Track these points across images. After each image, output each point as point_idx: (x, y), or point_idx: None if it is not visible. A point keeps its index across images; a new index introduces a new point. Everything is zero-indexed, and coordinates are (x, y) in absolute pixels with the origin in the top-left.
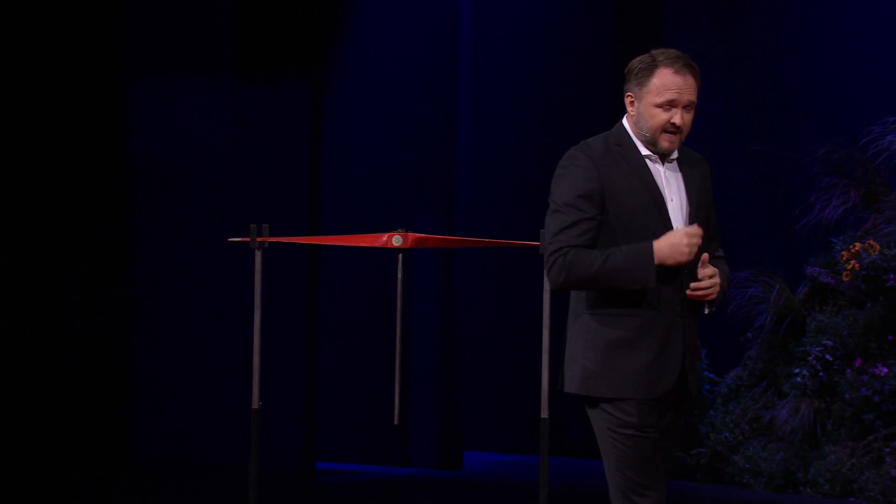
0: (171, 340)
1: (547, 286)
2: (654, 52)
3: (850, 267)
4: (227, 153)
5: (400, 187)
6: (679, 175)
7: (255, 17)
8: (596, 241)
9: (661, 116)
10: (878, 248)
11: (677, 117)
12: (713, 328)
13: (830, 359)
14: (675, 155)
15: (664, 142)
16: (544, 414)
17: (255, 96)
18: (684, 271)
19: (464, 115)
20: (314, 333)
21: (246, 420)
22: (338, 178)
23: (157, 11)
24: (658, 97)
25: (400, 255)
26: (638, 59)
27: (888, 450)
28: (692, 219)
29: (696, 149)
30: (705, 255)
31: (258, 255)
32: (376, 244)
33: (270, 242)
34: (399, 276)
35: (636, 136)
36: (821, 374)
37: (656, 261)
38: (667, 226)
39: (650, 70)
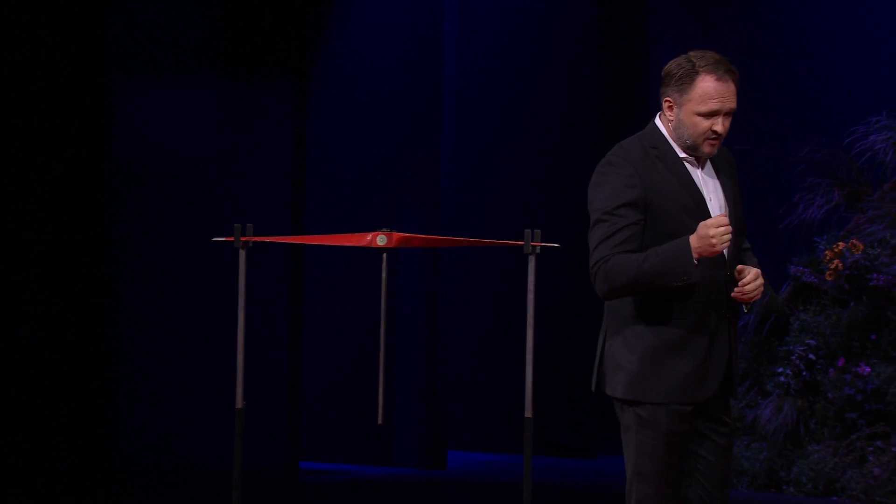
0: (154, 340)
1: (531, 285)
2: (692, 55)
3: (833, 266)
4: (211, 152)
5: (384, 186)
6: (714, 175)
7: (239, 15)
8: (639, 247)
9: (704, 125)
10: (862, 247)
11: (719, 125)
12: None
13: (814, 358)
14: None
15: (706, 147)
16: (528, 413)
17: (240, 95)
18: (727, 273)
19: (448, 115)
20: (298, 333)
21: (230, 419)
22: (322, 177)
23: (141, 10)
24: (701, 106)
25: (384, 255)
26: (676, 63)
27: (871, 449)
28: (732, 217)
29: None
30: (739, 267)
31: (242, 255)
32: (360, 244)
33: (255, 242)
34: (383, 275)
35: (673, 139)
36: (804, 373)
37: (694, 254)
38: None
39: (691, 77)
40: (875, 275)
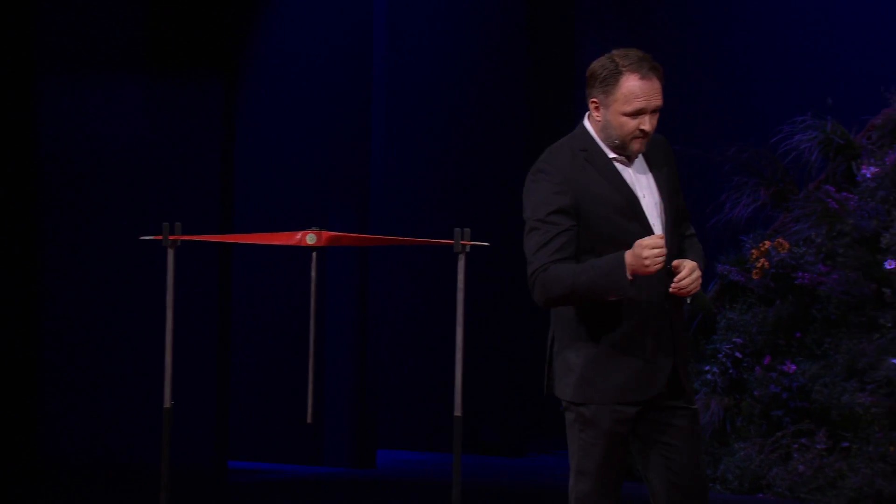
0: (82, 339)
1: (461, 284)
2: (615, 55)
3: (759, 265)
4: (138, 151)
5: (314, 185)
6: (647, 170)
7: (166, 13)
8: (576, 252)
9: (631, 124)
10: (788, 246)
11: (646, 124)
12: None
13: (740, 356)
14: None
15: (635, 145)
16: (458, 412)
17: (168, 93)
18: (666, 269)
19: (378, 113)
20: (226, 332)
21: (157, 419)
22: (251, 175)
23: (67, 7)
24: (626, 106)
25: (314, 254)
26: (600, 63)
27: (796, 446)
28: (667, 213)
29: None
30: (675, 262)
31: (170, 254)
32: (290, 242)
33: (183, 241)
34: (313, 274)
35: (602, 140)
36: (731, 371)
37: (628, 272)
38: (644, 225)
39: (615, 77)
40: (800, 273)
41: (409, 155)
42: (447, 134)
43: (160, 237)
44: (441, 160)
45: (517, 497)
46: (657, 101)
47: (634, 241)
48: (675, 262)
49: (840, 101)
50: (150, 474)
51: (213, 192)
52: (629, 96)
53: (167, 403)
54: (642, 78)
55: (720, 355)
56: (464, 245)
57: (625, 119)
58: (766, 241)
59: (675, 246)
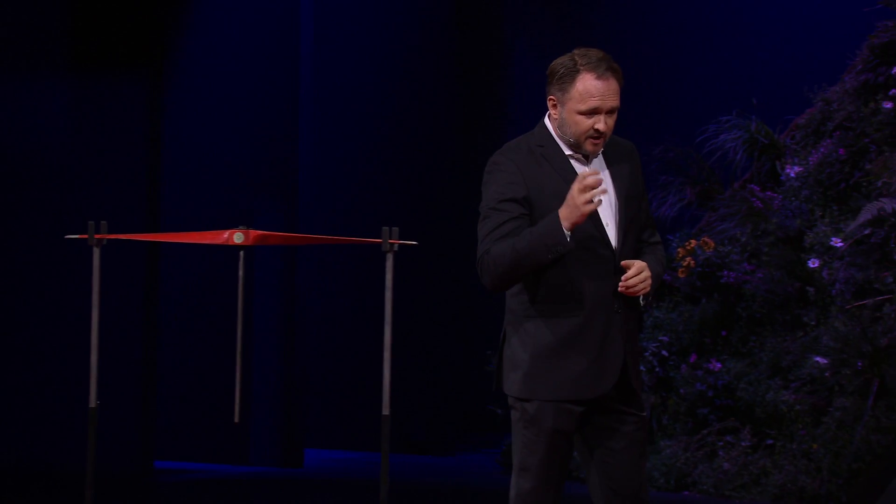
0: (5, 338)
1: (389, 283)
2: (575, 53)
3: (685, 264)
4: (64, 149)
5: (241, 184)
6: (605, 170)
7: (91, 10)
8: None
9: (585, 123)
10: (713, 245)
11: (601, 124)
12: None
13: (666, 354)
14: (597, 154)
15: (588, 146)
16: (385, 411)
17: (92, 91)
18: (615, 268)
19: (305, 111)
20: (152, 331)
21: (83, 419)
22: (179, 174)
23: None
24: (581, 104)
25: (241, 253)
26: (559, 61)
27: (721, 444)
28: (622, 213)
29: None
30: (625, 262)
31: (96, 253)
32: (217, 241)
33: (109, 239)
34: (240, 273)
35: (559, 138)
36: (657, 369)
37: (564, 224)
38: (596, 222)
39: (572, 76)
40: (726, 272)
41: (338, 154)
42: (375, 133)
43: (86, 236)
44: (369, 159)
45: (445, 496)
46: (613, 101)
47: (586, 237)
48: (624, 262)
49: (764, 101)
50: (76, 474)
51: (140, 190)
52: (584, 95)
53: (93, 403)
54: (598, 77)
55: (647, 354)
56: (392, 244)
57: (580, 118)
58: (692, 240)
59: (631, 249)
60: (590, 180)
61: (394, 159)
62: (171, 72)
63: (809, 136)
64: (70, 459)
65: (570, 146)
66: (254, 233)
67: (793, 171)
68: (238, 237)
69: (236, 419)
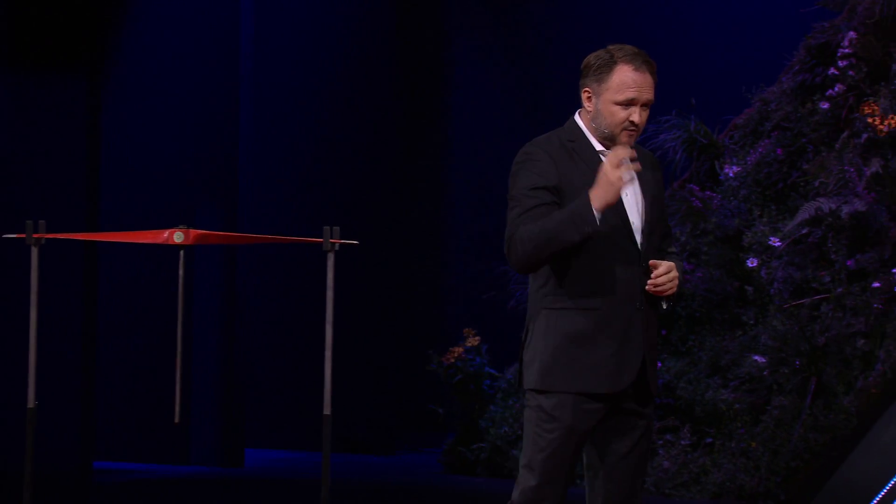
0: None
1: (331, 283)
2: (610, 48)
3: None
4: (1, 148)
5: (181, 183)
6: (632, 170)
7: (28, 9)
8: None
9: (621, 114)
10: None
11: (636, 115)
12: (494, 323)
13: None
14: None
15: (623, 137)
16: (327, 410)
17: (30, 91)
18: (641, 267)
19: (245, 111)
20: (91, 331)
21: (21, 419)
22: (118, 173)
23: None
24: (618, 95)
25: (181, 252)
26: (595, 55)
27: (661, 442)
28: (648, 213)
29: (479, 146)
30: (653, 261)
31: (34, 252)
32: (157, 241)
33: (47, 239)
34: (180, 273)
35: (591, 132)
36: None
37: (595, 204)
38: (623, 220)
39: (609, 67)
40: None
41: (279, 153)
42: (316, 132)
43: (23, 235)
44: (310, 159)
45: (386, 495)
46: (649, 94)
47: (612, 231)
48: (651, 262)
49: (703, 101)
50: (14, 474)
51: (79, 189)
52: (621, 86)
53: (31, 403)
54: (636, 69)
55: None
56: (333, 243)
57: (616, 108)
58: None
59: (655, 250)
60: (621, 153)
61: (335, 159)
62: (111, 71)
63: (748, 136)
64: (8, 460)
65: (602, 141)
66: (194, 232)
67: (731, 170)
68: (178, 236)
69: (176, 419)
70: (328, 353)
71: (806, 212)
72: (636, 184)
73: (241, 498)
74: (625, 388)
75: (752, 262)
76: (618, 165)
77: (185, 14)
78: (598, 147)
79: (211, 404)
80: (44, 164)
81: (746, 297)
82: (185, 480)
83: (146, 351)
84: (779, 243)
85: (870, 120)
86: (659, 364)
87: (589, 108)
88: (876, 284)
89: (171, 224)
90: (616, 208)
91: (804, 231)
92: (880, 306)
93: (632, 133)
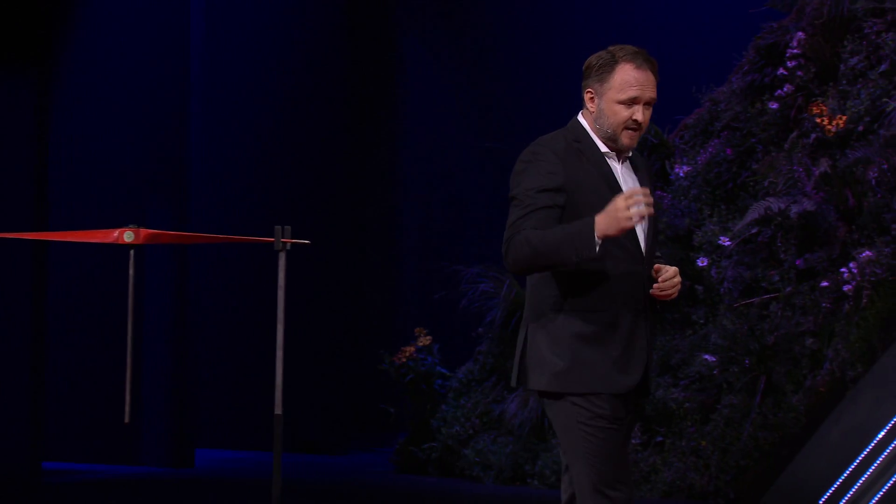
0: None
1: (282, 282)
2: (611, 48)
3: None
4: None
5: (132, 182)
6: (632, 171)
7: None
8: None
9: (624, 113)
10: None
11: (639, 114)
12: (445, 324)
13: None
14: (629, 154)
15: (625, 138)
16: (278, 410)
17: None
18: (644, 270)
19: (196, 110)
20: (40, 331)
21: None
22: (67, 173)
23: None
24: (621, 94)
25: (132, 252)
26: (596, 55)
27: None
28: (651, 217)
29: (430, 145)
30: (657, 266)
31: None
32: (107, 240)
33: None
34: (131, 272)
35: (595, 133)
36: None
37: (597, 231)
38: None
39: (611, 66)
40: None
41: (230, 153)
42: (267, 131)
43: None
44: (262, 158)
45: (337, 495)
46: (651, 92)
47: (621, 236)
48: (656, 266)
49: None
50: None
51: (27, 189)
52: (624, 85)
53: None
54: (637, 68)
55: None
56: (284, 243)
57: (619, 107)
58: None
59: (653, 254)
60: (638, 197)
61: (286, 158)
62: (60, 70)
63: (698, 135)
64: None
65: (606, 141)
66: (144, 231)
67: (682, 170)
68: (128, 236)
69: (127, 419)
70: (280, 353)
71: (755, 211)
72: (636, 185)
73: (192, 498)
74: (631, 388)
75: (702, 262)
76: (631, 203)
77: (135, 14)
78: (603, 149)
79: (161, 404)
80: None
81: (696, 297)
82: (136, 481)
83: (96, 351)
84: (728, 243)
85: (818, 120)
86: None
87: (592, 109)
88: (824, 284)
89: (121, 223)
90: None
91: (754, 230)
92: (829, 305)
93: (634, 133)
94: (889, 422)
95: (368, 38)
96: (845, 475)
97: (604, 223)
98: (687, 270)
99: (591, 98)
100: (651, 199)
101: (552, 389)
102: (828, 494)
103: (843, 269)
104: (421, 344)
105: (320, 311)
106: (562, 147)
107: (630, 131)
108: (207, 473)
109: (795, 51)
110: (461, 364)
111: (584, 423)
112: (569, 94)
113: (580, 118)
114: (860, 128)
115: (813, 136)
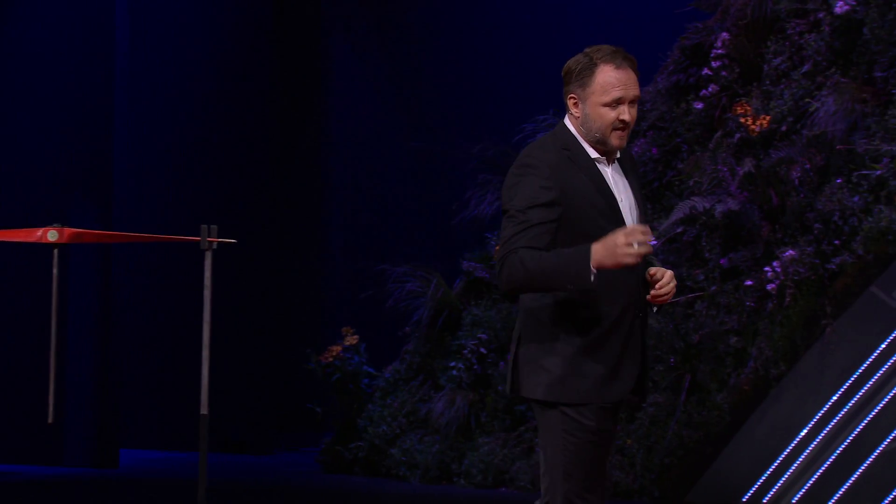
0: None
1: (208, 282)
2: (588, 50)
3: None
4: None
5: (55, 182)
6: (622, 175)
7: None
8: (550, 247)
9: (610, 115)
10: None
11: (625, 114)
12: (372, 323)
13: (485, 352)
14: (617, 154)
15: (615, 139)
16: (204, 410)
17: None
18: (638, 269)
19: (121, 109)
20: None
21: None
22: None
23: None
24: (604, 96)
25: (56, 251)
26: (574, 60)
27: (538, 440)
28: (641, 217)
29: (356, 145)
30: (653, 270)
31: None
32: (30, 239)
33: None
34: (54, 271)
35: (582, 138)
36: (475, 366)
37: (593, 263)
38: (620, 227)
39: (591, 69)
40: None
41: (155, 152)
42: (193, 130)
43: None
44: (187, 157)
45: (263, 494)
46: (634, 90)
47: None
48: (651, 270)
49: None
50: None
51: None
52: (606, 86)
53: None
54: (617, 68)
55: (465, 351)
56: (210, 242)
57: (604, 110)
58: None
59: (646, 260)
60: (639, 235)
61: (212, 157)
62: None
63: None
64: None
65: (595, 145)
66: (68, 230)
67: None
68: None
69: (50, 419)
70: (205, 353)
71: (680, 210)
72: (629, 189)
73: (116, 499)
74: (624, 396)
75: None
76: (630, 242)
77: (59, 12)
78: (593, 154)
79: (85, 404)
80: None
81: None
82: (59, 482)
83: (19, 350)
84: (654, 242)
85: (742, 120)
86: None
87: (577, 114)
88: (748, 283)
89: (45, 222)
90: (615, 215)
91: (679, 230)
92: (752, 304)
93: (622, 133)
94: (812, 419)
95: (294, 37)
96: (769, 472)
97: (601, 255)
98: None
99: (575, 103)
100: (651, 236)
101: (549, 399)
102: (752, 492)
103: (766, 269)
104: (348, 343)
105: (246, 311)
106: (553, 156)
107: (618, 131)
108: (132, 474)
109: (720, 51)
110: (388, 363)
111: (570, 434)
112: (496, 94)
113: (567, 123)
114: (783, 128)
115: (737, 135)
